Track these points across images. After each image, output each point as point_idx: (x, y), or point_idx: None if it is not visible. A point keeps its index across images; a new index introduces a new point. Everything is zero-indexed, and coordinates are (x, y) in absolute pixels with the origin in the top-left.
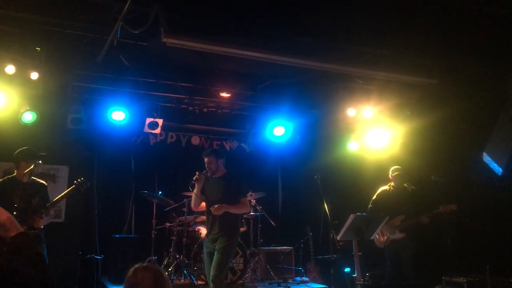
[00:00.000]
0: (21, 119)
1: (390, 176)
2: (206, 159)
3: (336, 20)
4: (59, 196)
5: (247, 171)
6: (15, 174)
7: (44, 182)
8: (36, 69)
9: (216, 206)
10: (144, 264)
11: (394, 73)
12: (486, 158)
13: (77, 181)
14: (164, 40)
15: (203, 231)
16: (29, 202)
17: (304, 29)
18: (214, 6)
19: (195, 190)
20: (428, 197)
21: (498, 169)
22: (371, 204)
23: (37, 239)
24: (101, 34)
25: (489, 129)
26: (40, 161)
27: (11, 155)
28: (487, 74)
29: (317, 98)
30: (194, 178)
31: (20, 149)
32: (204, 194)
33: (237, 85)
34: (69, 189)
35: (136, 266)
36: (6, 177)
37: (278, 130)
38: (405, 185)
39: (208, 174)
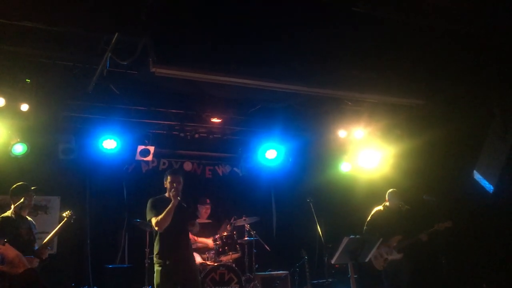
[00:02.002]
0: (11, 151)
1: (386, 197)
2: (180, 179)
3: (323, 45)
4: (53, 232)
5: (241, 196)
6: (13, 209)
7: (32, 219)
8: (26, 101)
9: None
10: None
11: (382, 95)
12: (477, 176)
13: (66, 214)
14: (153, 69)
15: (197, 258)
16: (30, 236)
17: (292, 55)
18: (202, 35)
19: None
20: (422, 216)
21: (489, 186)
22: (366, 225)
23: None
24: (90, 64)
25: (478, 147)
26: (34, 195)
27: (2, 188)
28: (474, 94)
29: (308, 121)
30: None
31: (17, 184)
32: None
33: (228, 110)
34: (60, 225)
35: None
36: (9, 212)
37: (270, 153)
38: (399, 205)
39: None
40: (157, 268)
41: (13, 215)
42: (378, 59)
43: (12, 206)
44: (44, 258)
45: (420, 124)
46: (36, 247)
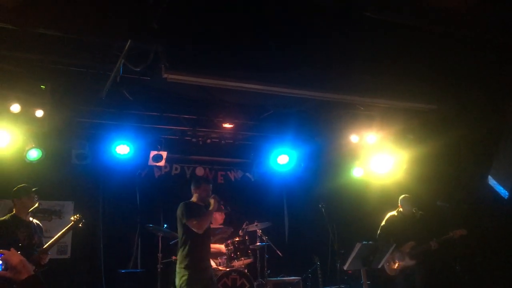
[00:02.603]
0: (26, 156)
1: (399, 203)
2: (211, 187)
3: (335, 50)
4: (58, 235)
5: (253, 201)
6: (14, 212)
7: (39, 223)
8: (41, 107)
9: None
10: None
11: (394, 100)
12: (492, 181)
13: (73, 217)
14: (165, 76)
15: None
16: (32, 240)
17: (304, 60)
18: (214, 41)
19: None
20: (436, 223)
21: (504, 192)
22: (380, 230)
23: None
24: (104, 70)
25: (493, 152)
26: (36, 196)
27: None
28: (487, 99)
29: (320, 126)
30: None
31: (18, 186)
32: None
33: (240, 116)
34: (66, 228)
35: None
36: (8, 215)
37: (282, 158)
38: (413, 211)
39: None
40: (184, 272)
41: (9, 219)
42: (390, 63)
43: (14, 209)
44: (43, 263)
45: (433, 129)
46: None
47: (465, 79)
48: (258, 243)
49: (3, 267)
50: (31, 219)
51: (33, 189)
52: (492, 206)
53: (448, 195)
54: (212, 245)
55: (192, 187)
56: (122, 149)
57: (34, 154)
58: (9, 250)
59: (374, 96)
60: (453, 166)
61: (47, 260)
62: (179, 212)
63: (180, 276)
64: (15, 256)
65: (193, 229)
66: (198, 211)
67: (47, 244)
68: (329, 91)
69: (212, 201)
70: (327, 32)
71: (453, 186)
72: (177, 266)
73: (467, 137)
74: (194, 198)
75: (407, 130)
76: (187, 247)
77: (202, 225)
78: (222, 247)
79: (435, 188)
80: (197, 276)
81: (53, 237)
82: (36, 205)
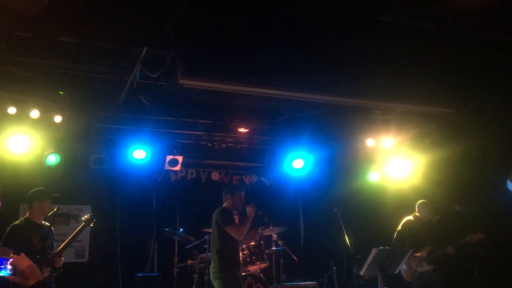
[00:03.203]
0: (45, 161)
1: (416, 208)
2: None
3: (351, 54)
4: (70, 237)
5: (268, 205)
6: (27, 215)
7: (50, 225)
8: (59, 113)
9: None
10: None
11: (410, 104)
12: (510, 185)
13: (84, 217)
14: (181, 81)
15: None
16: (45, 243)
17: (319, 65)
18: (229, 47)
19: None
20: (454, 228)
21: None
22: (396, 235)
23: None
24: (121, 76)
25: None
26: (50, 201)
27: None
28: (505, 103)
29: (335, 130)
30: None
31: (34, 189)
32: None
33: (255, 120)
34: (78, 229)
35: None
36: (21, 219)
37: (298, 163)
38: (430, 215)
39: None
40: (223, 277)
41: (23, 223)
42: (407, 67)
43: (27, 213)
44: (57, 266)
45: (451, 133)
46: (50, 256)
47: (483, 82)
48: (273, 248)
49: (12, 272)
50: (43, 222)
51: (53, 194)
52: (511, 211)
53: (466, 200)
54: None
55: (226, 194)
56: (139, 154)
57: (53, 159)
58: (20, 255)
59: (390, 100)
60: (471, 171)
61: (61, 263)
62: (217, 218)
63: (219, 281)
64: (24, 261)
65: (233, 235)
66: (233, 217)
67: (60, 247)
68: (344, 95)
69: (250, 209)
70: (343, 36)
71: (471, 190)
72: (215, 270)
73: (485, 141)
74: (227, 205)
75: (424, 134)
76: (225, 252)
77: (242, 232)
78: None
79: (453, 193)
80: (235, 280)
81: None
82: (55, 209)
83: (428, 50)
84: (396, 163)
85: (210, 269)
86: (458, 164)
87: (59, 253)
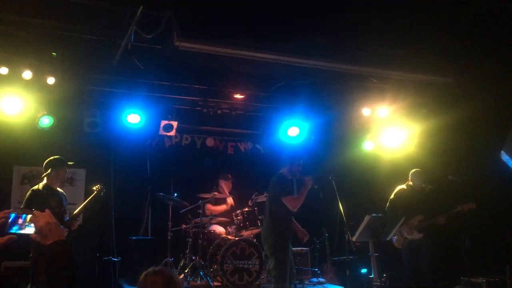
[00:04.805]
0: (38, 123)
1: (409, 177)
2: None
3: (348, 20)
4: (83, 204)
5: (262, 172)
6: (45, 181)
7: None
8: (52, 74)
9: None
10: (156, 268)
11: (408, 72)
12: (504, 156)
13: (96, 187)
14: (177, 43)
15: (219, 232)
16: (61, 207)
17: (317, 31)
18: (227, 10)
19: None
20: (446, 197)
21: None
22: (389, 203)
23: None
24: (115, 38)
25: (507, 127)
26: (67, 169)
27: (30, 160)
28: (503, 72)
29: (331, 98)
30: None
31: (52, 157)
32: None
33: (251, 87)
34: (90, 197)
35: (149, 270)
36: (40, 185)
37: (293, 130)
38: (422, 184)
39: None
40: (275, 240)
41: (42, 188)
42: (405, 35)
43: (45, 179)
44: (73, 229)
45: (447, 103)
46: (67, 218)
47: (482, 52)
48: None
49: (33, 229)
50: (58, 188)
51: (70, 163)
52: (504, 182)
53: (459, 170)
54: (218, 207)
55: (286, 161)
56: (133, 118)
57: (46, 121)
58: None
59: (388, 68)
60: (466, 141)
61: (76, 226)
62: (275, 185)
63: (269, 245)
64: (42, 219)
65: (288, 206)
66: (290, 187)
67: (76, 211)
68: (341, 62)
69: (309, 181)
70: (341, 2)
71: (465, 160)
72: (268, 234)
73: (481, 111)
74: (284, 171)
75: (419, 104)
76: (279, 219)
77: (297, 204)
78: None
79: (447, 162)
80: (285, 247)
81: (68, 204)
82: (63, 174)
83: (428, 17)
84: (391, 132)
85: (263, 229)
86: (453, 134)
87: (75, 217)
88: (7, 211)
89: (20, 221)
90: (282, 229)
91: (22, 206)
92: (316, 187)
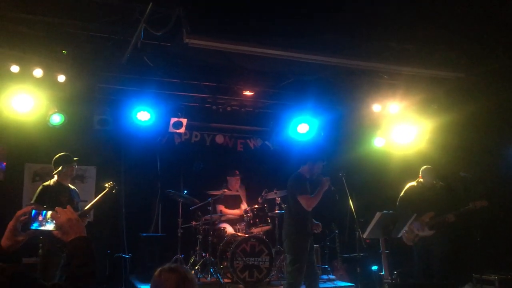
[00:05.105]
0: (49, 121)
1: (420, 174)
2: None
3: (359, 15)
4: (95, 200)
5: (271, 169)
6: (56, 178)
7: (75, 187)
8: (63, 72)
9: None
10: (172, 266)
11: (420, 67)
12: None
13: (108, 184)
14: (186, 40)
15: (229, 229)
16: (72, 204)
17: (327, 26)
18: (236, 6)
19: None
20: (457, 194)
21: None
22: (398, 201)
23: None
24: (125, 35)
25: None
26: (76, 165)
27: (41, 157)
28: None
29: (341, 94)
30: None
31: (59, 154)
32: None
33: (260, 83)
34: (102, 193)
35: (163, 267)
36: (51, 181)
37: (302, 127)
38: (433, 182)
39: None
40: (294, 238)
41: (53, 184)
42: (417, 30)
43: (56, 176)
44: None
45: (459, 98)
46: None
47: (495, 46)
48: (276, 211)
49: (54, 226)
50: (69, 185)
51: (75, 159)
52: None
53: (471, 166)
54: (230, 211)
55: (307, 160)
56: (143, 115)
57: (57, 119)
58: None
59: (399, 63)
60: (478, 137)
61: (86, 222)
62: (293, 184)
63: (288, 241)
64: (64, 215)
65: (302, 204)
66: (307, 187)
67: (86, 208)
68: (351, 58)
69: (326, 182)
70: None
71: (477, 157)
72: (286, 231)
73: (494, 107)
74: (303, 170)
75: (431, 100)
76: (296, 217)
77: (312, 204)
78: (238, 212)
79: (458, 159)
80: (302, 241)
81: (82, 201)
82: (72, 171)
83: (440, 12)
84: (402, 129)
85: (283, 226)
86: (465, 130)
87: (85, 213)
88: (29, 207)
89: (40, 217)
90: (300, 227)
91: (32, 201)
92: (333, 188)
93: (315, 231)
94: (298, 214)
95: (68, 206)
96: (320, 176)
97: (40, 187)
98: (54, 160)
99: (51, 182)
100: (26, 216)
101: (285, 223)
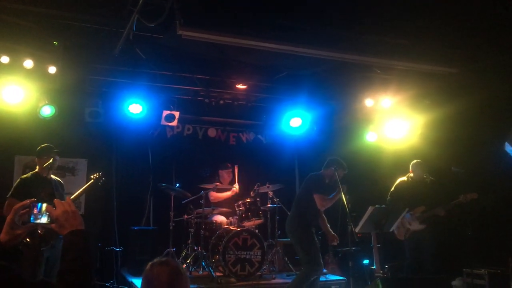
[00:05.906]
0: (40, 113)
1: (410, 168)
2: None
3: (353, 9)
4: (79, 191)
5: (264, 163)
6: (37, 170)
7: (60, 179)
8: (54, 63)
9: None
10: (163, 259)
11: (413, 62)
12: (508, 148)
13: (94, 176)
14: (180, 32)
15: (221, 218)
16: (53, 197)
17: (321, 19)
18: None
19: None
20: (448, 188)
21: None
22: (389, 196)
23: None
24: (117, 27)
25: (511, 118)
26: (58, 157)
27: (31, 149)
28: (509, 63)
29: (334, 89)
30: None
31: (41, 146)
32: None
33: (253, 77)
34: (87, 185)
35: (155, 260)
36: (30, 173)
37: (295, 121)
38: (424, 176)
39: None
40: (299, 232)
41: (31, 176)
42: (410, 24)
43: (37, 167)
44: None
45: (451, 94)
46: None
47: (487, 42)
48: (269, 205)
49: (49, 219)
50: (52, 176)
51: (55, 150)
52: (508, 173)
53: (463, 161)
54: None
55: (332, 165)
56: (135, 108)
57: (47, 110)
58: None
59: (393, 58)
60: (470, 132)
61: None
62: (311, 182)
63: (294, 234)
64: (60, 208)
65: (317, 203)
66: (325, 188)
67: (71, 197)
68: (345, 51)
69: (344, 189)
70: None
71: (469, 152)
72: (293, 226)
73: (486, 102)
74: (325, 173)
75: (423, 95)
76: (306, 213)
77: (326, 204)
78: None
79: (450, 154)
80: (309, 234)
81: (69, 193)
82: (50, 161)
83: (433, 6)
84: (394, 123)
85: (288, 222)
86: (457, 125)
87: None
88: (28, 200)
89: (35, 210)
90: (308, 223)
91: (8, 195)
92: (347, 196)
93: (331, 244)
94: (309, 212)
95: (68, 197)
96: (337, 183)
97: (18, 180)
98: (36, 152)
99: (30, 174)
100: (27, 209)
101: (290, 219)
